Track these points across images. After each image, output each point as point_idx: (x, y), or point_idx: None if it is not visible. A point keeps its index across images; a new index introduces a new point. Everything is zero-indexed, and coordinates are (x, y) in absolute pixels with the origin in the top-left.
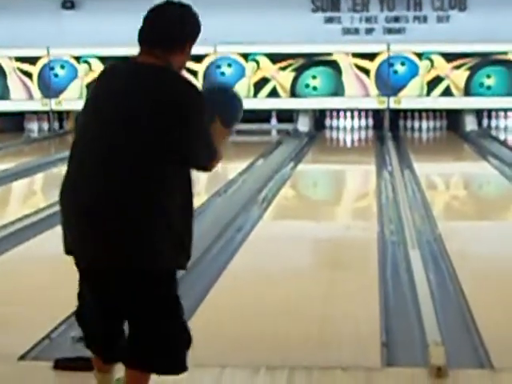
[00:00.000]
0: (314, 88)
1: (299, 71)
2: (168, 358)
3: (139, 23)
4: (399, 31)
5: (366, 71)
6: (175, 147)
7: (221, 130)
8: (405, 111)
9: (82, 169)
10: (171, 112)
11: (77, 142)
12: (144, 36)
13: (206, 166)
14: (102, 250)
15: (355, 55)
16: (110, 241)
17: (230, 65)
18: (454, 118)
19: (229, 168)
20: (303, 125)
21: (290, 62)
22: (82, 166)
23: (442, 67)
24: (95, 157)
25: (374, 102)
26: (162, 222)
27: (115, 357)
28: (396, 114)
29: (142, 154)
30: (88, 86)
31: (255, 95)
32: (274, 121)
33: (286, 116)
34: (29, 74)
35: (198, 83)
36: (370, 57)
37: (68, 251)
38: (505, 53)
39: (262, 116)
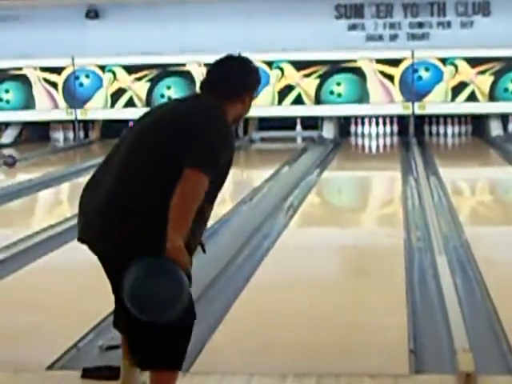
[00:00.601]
0: (339, 95)
1: (323, 78)
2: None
3: (162, 31)
4: (423, 37)
5: (391, 77)
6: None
7: None
8: (430, 117)
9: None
10: (188, 133)
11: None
12: (205, 85)
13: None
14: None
15: (379, 61)
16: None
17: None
18: (479, 123)
19: (254, 175)
20: (328, 132)
21: (314, 69)
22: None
23: (467, 72)
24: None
25: (399, 108)
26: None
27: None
28: (421, 119)
29: (155, 166)
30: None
31: (280, 103)
32: (298, 128)
33: (311, 123)
34: (54, 84)
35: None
36: (395, 63)
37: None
38: None
39: (287, 123)
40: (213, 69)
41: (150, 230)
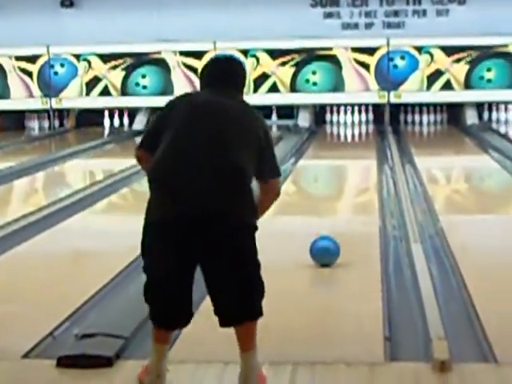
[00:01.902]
0: (314, 83)
1: (299, 66)
2: (258, 303)
3: (137, 20)
4: (399, 25)
5: (366, 66)
6: (259, 162)
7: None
8: (405, 105)
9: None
10: (254, 134)
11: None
12: (216, 79)
13: (277, 178)
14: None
15: (355, 50)
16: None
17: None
18: (454, 111)
19: None
20: (303, 120)
21: (289, 57)
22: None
23: (442, 61)
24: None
25: (375, 97)
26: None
27: (187, 317)
28: (396, 108)
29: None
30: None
31: (255, 91)
32: (274, 117)
33: (287, 112)
34: (29, 73)
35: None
36: (370, 51)
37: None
38: (505, 45)
39: (263, 112)
40: (217, 66)
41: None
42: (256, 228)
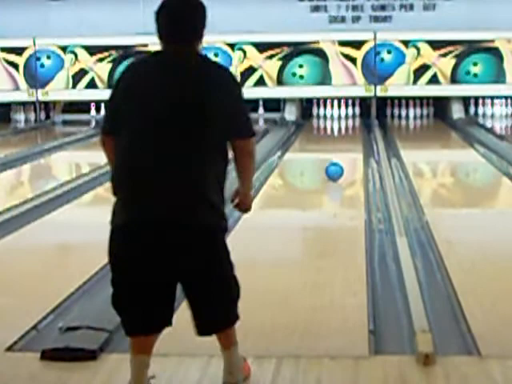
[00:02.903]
0: (301, 77)
1: (286, 60)
2: (233, 310)
3: (124, 12)
4: (385, 19)
5: (353, 59)
6: (223, 123)
7: None
8: (392, 99)
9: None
10: (218, 92)
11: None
12: (168, 31)
13: (249, 137)
14: (166, 206)
15: (342, 43)
16: (173, 199)
17: (216, 54)
18: (440, 105)
19: None
20: (290, 114)
21: (276, 50)
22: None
23: (429, 55)
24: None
25: (361, 91)
26: (212, 186)
27: (166, 321)
28: (383, 102)
29: (195, 129)
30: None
31: (242, 84)
32: (261, 110)
33: (273, 105)
34: (15, 65)
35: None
36: (357, 45)
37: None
38: (491, 40)
39: (249, 105)
40: (168, 16)
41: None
42: (223, 230)
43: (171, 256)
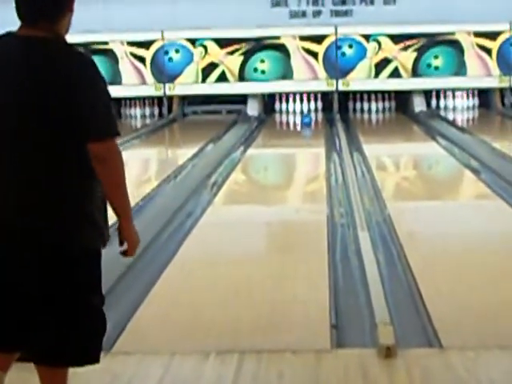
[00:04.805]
0: (263, 72)
1: (247, 55)
2: (80, 347)
3: (84, 10)
4: (346, 13)
5: (314, 54)
6: (75, 122)
7: None
8: (353, 93)
9: None
10: (68, 89)
11: None
12: (24, 10)
13: (104, 140)
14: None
15: (303, 38)
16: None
17: (177, 50)
18: (402, 99)
19: (178, 154)
20: (252, 109)
21: (237, 46)
22: None
23: (390, 49)
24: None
25: (323, 85)
26: (71, 200)
27: (26, 344)
28: (345, 96)
29: (43, 133)
30: None
31: (204, 80)
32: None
33: (239, 98)
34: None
35: (147, 70)
36: (318, 40)
37: None
38: (452, 33)
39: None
40: None
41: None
42: (85, 250)
43: (22, 275)
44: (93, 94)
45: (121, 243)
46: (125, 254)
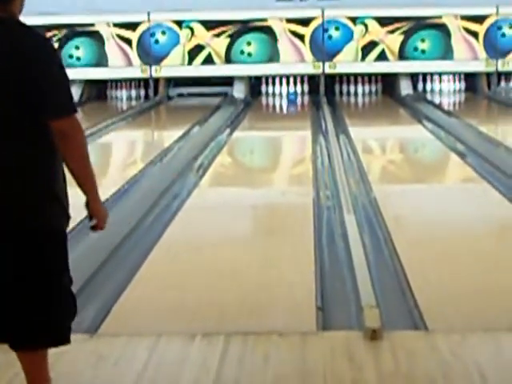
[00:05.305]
0: (249, 54)
1: (234, 38)
2: (53, 328)
3: None
4: None
5: (301, 37)
6: (35, 98)
7: None
8: (340, 76)
9: None
10: (25, 65)
11: None
12: None
13: (68, 116)
14: None
15: (289, 21)
16: None
17: (164, 32)
18: (389, 82)
19: (164, 136)
20: (239, 91)
21: (224, 28)
22: None
23: (377, 32)
24: None
25: (309, 68)
26: (37, 180)
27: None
28: (331, 79)
29: (2, 111)
30: None
31: (190, 63)
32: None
33: (225, 80)
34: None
35: (133, 52)
36: (305, 22)
37: None
38: (439, 17)
39: (202, 79)
40: None
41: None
42: (55, 230)
43: None
44: (50, 71)
45: (90, 218)
46: (94, 228)
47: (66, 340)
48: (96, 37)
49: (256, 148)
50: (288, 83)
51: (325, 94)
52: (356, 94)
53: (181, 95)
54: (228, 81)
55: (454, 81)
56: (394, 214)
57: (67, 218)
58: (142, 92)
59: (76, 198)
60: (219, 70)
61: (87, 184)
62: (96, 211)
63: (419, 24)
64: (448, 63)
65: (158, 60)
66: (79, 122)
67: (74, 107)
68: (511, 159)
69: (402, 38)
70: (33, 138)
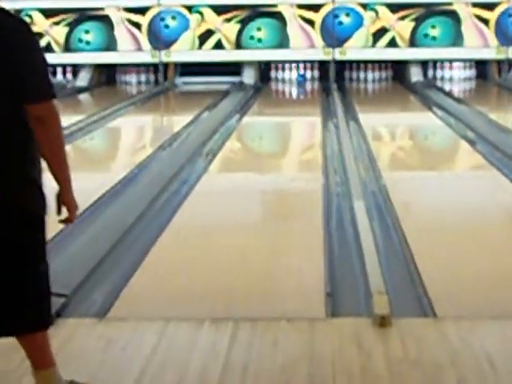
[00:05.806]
0: (259, 40)
1: (244, 23)
2: (32, 313)
3: None
4: None
5: (311, 22)
6: (13, 83)
7: None
8: (350, 62)
9: None
10: (3, 52)
11: None
12: None
13: (45, 101)
14: None
15: (300, 6)
16: None
17: (174, 17)
18: (399, 68)
19: (174, 121)
20: (249, 77)
21: (234, 13)
22: None
23: (387, 18)
24: None
25: (320, 54)
26: (16, 164)
27: None
28: (341, 65)
29: None
30: None
31: (200, 47)
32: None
33: (234, 69)
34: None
35: (143, 36)
36: (315, 8)
37: None
38: (449, 3)
39: (210, 69)
40: None
41: None
42: (33, 215)
43: None
44: (29, 55)
45: (59, 211)
46: (65, 221)
47: (43, 325)
48: (106, 21)
49: (265, 134)
50: (298, 69)
51: (335, 80)
52: (366, 80)
53: (186, 84)
54: (236, 70)
55: (465, 68)
56: (403, 201)
57: (45, 204)
58: (152, 77)
59: (84, 182)
60: (229, 55)
61: (62, 173)
62: (69, 202)
63: (430, 11)
64: (458, 50)
65: (167, 45)
66: (57, 107)
67: (52, 92)
68: None
69: (412, 24)
70: (9, 123)
